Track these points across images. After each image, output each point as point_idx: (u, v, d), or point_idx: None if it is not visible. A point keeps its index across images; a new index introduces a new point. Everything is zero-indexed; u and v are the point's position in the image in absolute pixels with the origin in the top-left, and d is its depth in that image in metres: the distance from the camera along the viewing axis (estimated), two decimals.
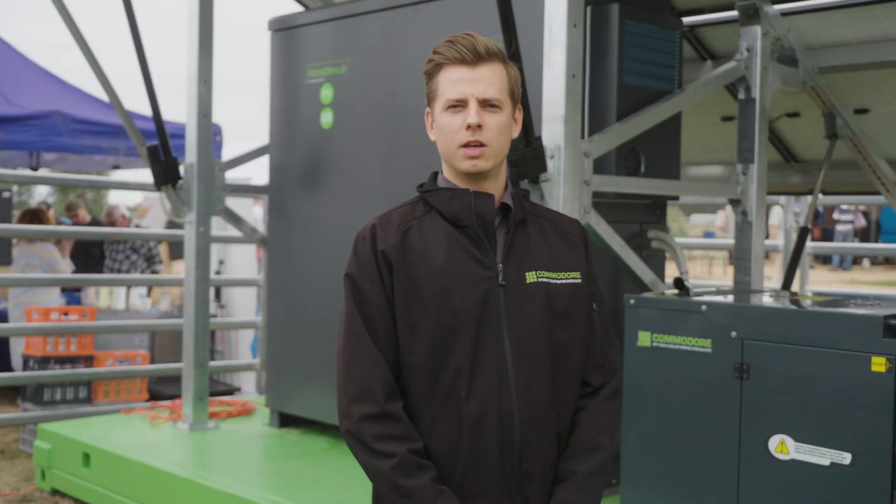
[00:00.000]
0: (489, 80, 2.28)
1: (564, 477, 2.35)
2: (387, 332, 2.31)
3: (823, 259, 22.02)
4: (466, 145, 2.27)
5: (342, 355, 2.33)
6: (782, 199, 7.37)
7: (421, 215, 2.36)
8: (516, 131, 2.39)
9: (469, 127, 2.26)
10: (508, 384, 2.27)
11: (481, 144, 2.27)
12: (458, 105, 2.27)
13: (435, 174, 2.42)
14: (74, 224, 11.21)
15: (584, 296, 2.39)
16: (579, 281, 2.38)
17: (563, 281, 2.36)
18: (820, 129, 5.22)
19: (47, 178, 7.99)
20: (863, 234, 22.31)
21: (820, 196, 5.78)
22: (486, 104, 2.27)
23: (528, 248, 2.35)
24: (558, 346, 2.34)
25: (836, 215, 21.59)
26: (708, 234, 26.82)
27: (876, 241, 21.55)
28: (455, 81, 2.28)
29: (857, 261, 22.81)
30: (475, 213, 2.30)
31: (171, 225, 11.22)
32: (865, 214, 22.19)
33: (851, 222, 21.70)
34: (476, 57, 2.27)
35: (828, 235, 21.15)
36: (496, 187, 2.36)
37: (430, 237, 2.32)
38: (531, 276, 2.32)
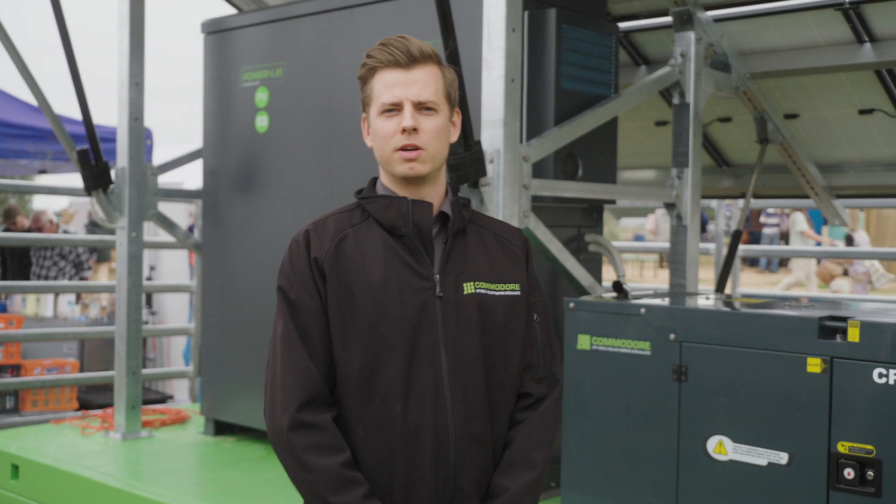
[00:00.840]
0: (424, 82, 2.24)
1: (496, 493, 2.29)
2: (321, 339, 2.25)
3: (751, 261, 22.44)
4: (402, 149, 2.22)
5: (272, 365, 2.27)
6: (713, 202, 7.48)
7: (358, 223, 2.31)
8: (455, 135, 2.35)
9: (404, 130, 2.21)
10: (444, 398, 2.21)
11: (417, 148, 2.22)
12: (393, 109, 2.23)
13: (374, 180, 2.36)
14: (10, 230, 10.94)
15: (522, 308, 2.35)
16: (518, 293, 2.34)
17: (502, 293, 2.31)
18: (751, 134, 5.32)
19: None
20: (788, 237, 22.77)
21: (755, 199, 5.88)
22: (421, 107, 2.23)
23: (467, 259, 2.30)
24: (495, 361, 2.29)
25: (762, 219, 22.01)
26: (638, 238, 27.16)
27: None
28: (389, 85, 2.23)
29: (783, 263, 23.27)
30: (412, 222, 2.25)
31: (92, 229, 11.00)
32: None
33: (777, 225, 22.15)
34: (410, 59, 2.24)
35: (755, 238, 21.56)
36: (435, 194, 2.31)
37: (367, 246, 2.26)
38: (469, 288, 2.27)
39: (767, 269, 22.94)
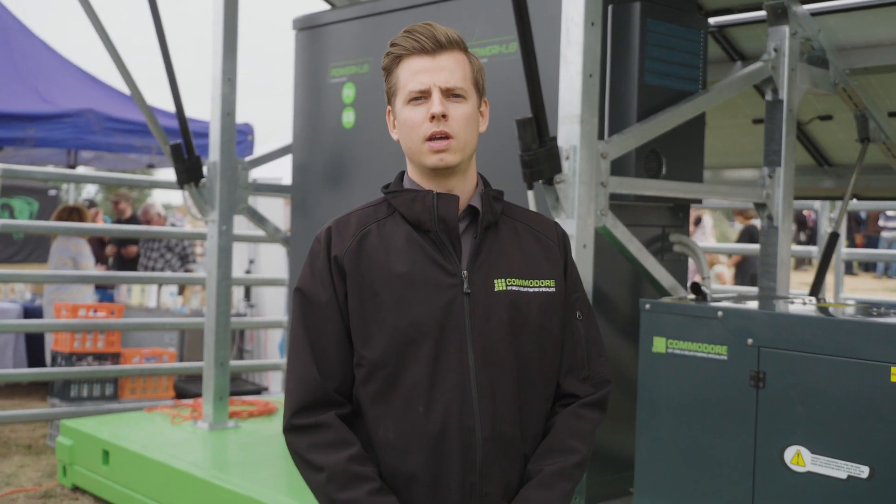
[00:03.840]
0: (451, 68, 2.15)
1: (530, 476, 2.20)
2: (335, 340, 2.18)
3: (867, 266, 21.65)
4: (431, 138, 2.13)
5: (286, 370, 2.24)
6: (817, 203, 7.22)
7: (383, 218, 2.23)
8: (483, 125, 2.26)
9: (433, 117, 2.13)
10: (471, 398, 2.11)
11: (447, 137, 2.13)
12: (421, 97, 2.15)
13: (402, 174, 2.29)
14: (118, 216, 11.28)
15: (558, 305, 2.24)
16: (553, 290, 2.23)
17: (536, 289, 2.20)
18: (854, 133, 5.10)
19: (93, 176, 7.96)
20: None
21: (859, 202, 5.64)
22: (449, 94, 2.15)
23: (499, 254, 2.20)
24: (527, 360, 2.18)
25: (881, 222, 21.19)
26: None
27: None
28: (416, 72, 2.15)
29: None
30: (437, 217, 2.16)
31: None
32: None
33: None
34: (436, 45, 2.16)
35: (872, 242, 20.76)
36: (465, 187, 2.23)
37: (391, 241, 2.18)
38: (500, 284, 2.17)
39: (885, 275, 22.08)
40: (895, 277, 22.08)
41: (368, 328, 2.15)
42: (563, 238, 2.34)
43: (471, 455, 2.12)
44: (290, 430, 2.18)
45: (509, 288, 2.18)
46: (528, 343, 2.19)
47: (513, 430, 2.17)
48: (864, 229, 20.70)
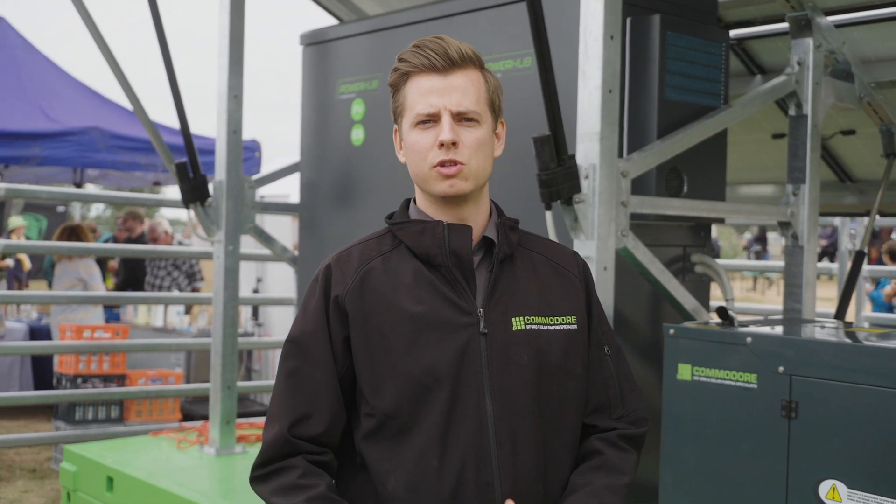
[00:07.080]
0: (464, 89, 1.98)
1: (576, 488, 2.01)
2: (326, 386, 2.01)
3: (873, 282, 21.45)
4: (441, 164, 1.96)
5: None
6: (837, 220, 7.07)
7: (388, 251, 2.04)
8: (499, 149, 2.09)
9: (442, 144, 1.96)
10: (489, 451, 1.92)
11: (457, 163, 1.96)
12: (430, 120, 1.98)
13: (408, 202, 2.11)
14: (129, 238, 11.16)
15: (581, 344, 2.06)
16: (575, 326, 2.05)
17: (557, 327, 2.02)
18: (877, 148, 4.95)
19: (97, 195, 7.85)
20: None
21: (877, 217, 5.49)
22: (461, 117, 1.98)
23: (516, 289, 2.01)
24: (550, 407, 1.99)
25: (894, 236, 21.01)
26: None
27: None
28: (424, 92, 1.98)
29: None
30: (449, 250, 1.97)
31: None
32: None
33: None
34: (448, 63, 1.99)
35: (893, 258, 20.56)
36: (478, 217, 2.05)
37: (398, 278, 1.99)
38: (518, 323, 1.98)
39: None
40: None
41: (378, 374, 1.98)
42: (583, 270, 2.17)
43: None
44: (253, 480, 2.05)
45: (528, 327, 2.01)
46: (550, 387, 2.01)
47: (535, 486, 1.98)
48: (877, 243, 20.49)
